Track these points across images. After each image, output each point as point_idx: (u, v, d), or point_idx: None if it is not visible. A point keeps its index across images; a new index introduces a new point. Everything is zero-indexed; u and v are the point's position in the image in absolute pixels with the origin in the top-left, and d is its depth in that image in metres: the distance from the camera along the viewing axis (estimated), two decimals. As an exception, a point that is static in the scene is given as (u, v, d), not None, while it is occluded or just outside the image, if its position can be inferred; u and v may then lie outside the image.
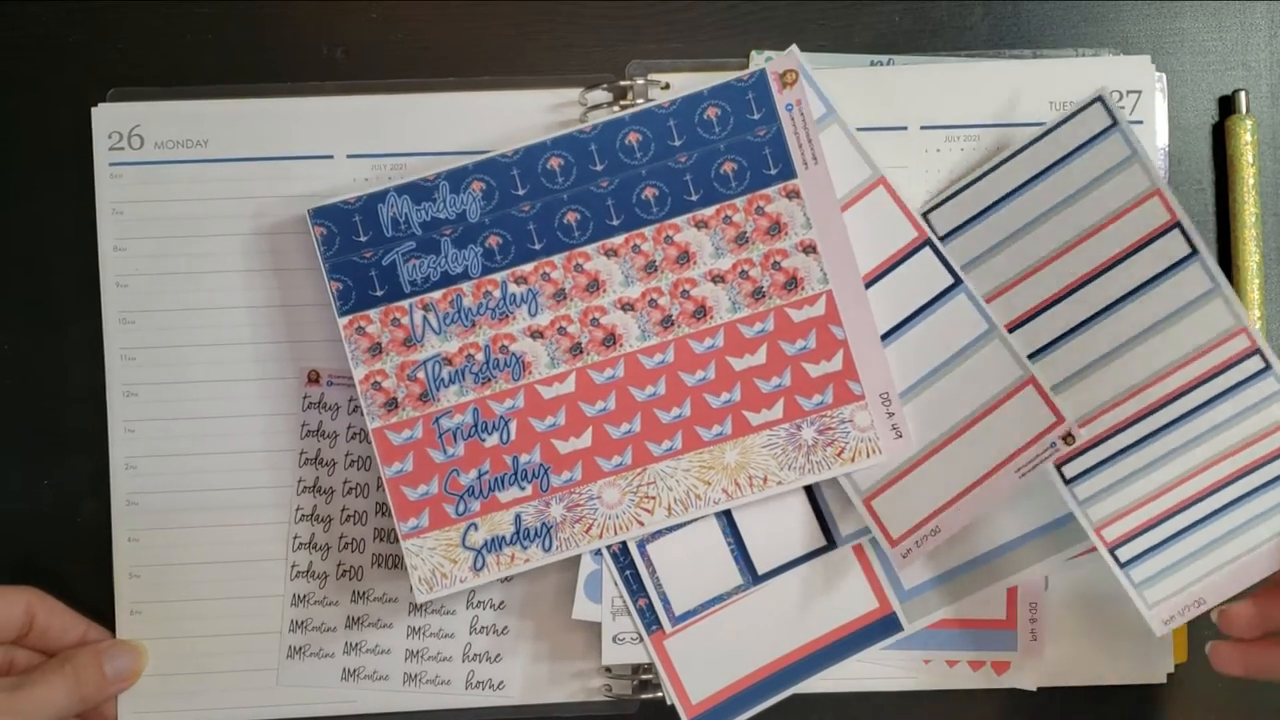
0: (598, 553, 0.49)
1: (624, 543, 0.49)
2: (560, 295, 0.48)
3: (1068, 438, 0.48)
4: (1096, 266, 0.49)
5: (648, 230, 0.48)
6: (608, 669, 0.51)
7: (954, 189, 0.50)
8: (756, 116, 0.48)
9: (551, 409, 0.48)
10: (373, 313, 0.48)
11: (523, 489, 0.48)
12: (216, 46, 0.52)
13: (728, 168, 0.48)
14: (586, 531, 0.48)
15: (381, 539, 0.51)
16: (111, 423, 0.51)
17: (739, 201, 0.48)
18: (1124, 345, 0.48)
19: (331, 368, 0.51)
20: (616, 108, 0.50)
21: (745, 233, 0.48)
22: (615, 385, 0.48)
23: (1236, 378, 0.48)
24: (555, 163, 0.48)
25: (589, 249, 0.48)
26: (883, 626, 0.50)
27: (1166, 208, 0.48)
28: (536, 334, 0.48)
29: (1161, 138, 0.52)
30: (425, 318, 0.48)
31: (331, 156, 0.51)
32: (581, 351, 0.48)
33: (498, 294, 0.48)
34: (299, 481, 0.51)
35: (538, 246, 0.48)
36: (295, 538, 0.51)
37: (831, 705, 0.51)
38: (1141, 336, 0.48)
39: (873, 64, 0.52)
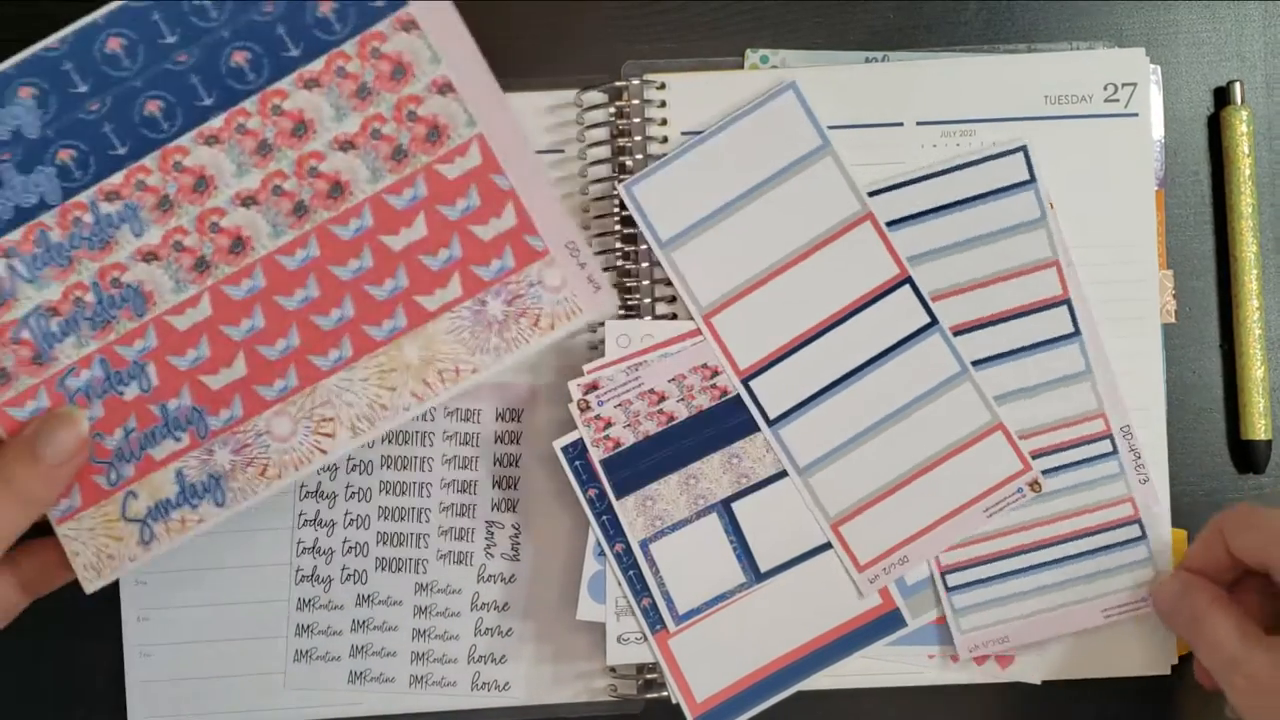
0: (600, 553, 0.49)
1: (626, 543, 0.49)
2: (165, 204, 0.41)
3: (1034, 485, 0.50)
4: (983, 317, 0.50)
5: (249, 103, 0.41)
6: (612, 669, 0.51)
7: (887, 184, 0.51)
8: None
9: (191, 340, 0.42)
10: None
11: (178, 440, 0.42)
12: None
13: (325, 8, 0.41)
14: (261, 474, 0.42)
15: (385, 542, 0.51)
16: (114, 431, 0.51)
17: (349, 47, 0.41)
18: (996, 398, 0.50)
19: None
20: (612, 109, 0.50)
21: (366, 83, 0.41)
22: (259, 298, 0.42)
23: (1088, 453, 0.51)
24: (116, 44, 0.40)
25: (184, 140, 0.41)
26: (886, 622, 0.50)
27: (1061, 281, 0.50)
28: (150, 256, 0.41)
29: (1157, 130, 0.52)
30: (11, 266, 0.41)
31: (328, 161, 0.51)
32: (208, 266, 0.41)
33: (89, 219, 0.41)
34: (300, 486, 0.51)
35: (122, 151, 0.41)
36: (299, 542, 0.51)
37: (836, 702, 0.51)
38: (1012, 395, 0.50)
39: (867, 60, 0.52)
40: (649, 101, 0.51)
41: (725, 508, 0.50)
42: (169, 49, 0.40)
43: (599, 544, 0.50)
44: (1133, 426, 0.51)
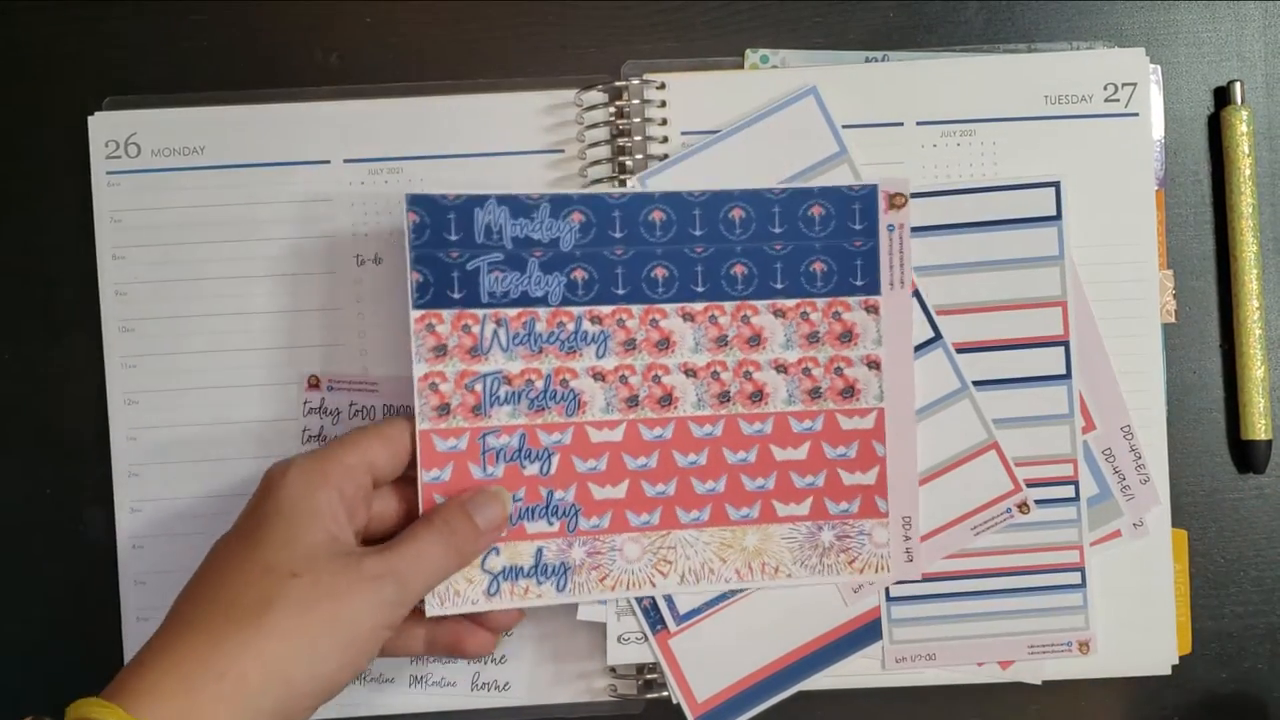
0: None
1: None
2: (630, 344, 0.48)
3: (1023, 506, 0.50)
4: (980, 341, 0.50)
5: (728, 305, 0.49)
6: (613, 669, 0.51)
7: (915, 190, 0.50)
8: (858, 227, 0.49)
9: (595, 452, 0.48)
10: (445, 313, 0.47)
11: (550, 524, 0.48)
12: (211, 53, 0.52)
13: (817, 267, 0.49)
14: (601, 581, 0.48)
15: (385, 543, 0.51)
16: (114, 430, 0.51)
17: (820, 301, 0.49)
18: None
19: (331, 372, 0.51)
20: (612, 109, 0.50)
21: (818, 332, 0.49)
22: (660, 445, 0.49)
23: (1052, 494, 0.51)
24: (658, 216, 0.48)
25: (668, 307, 0.48)
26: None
27: (1064, 323, 0.50)
28: (599, 376, 0.48)
29: (1158, 130, 0.52)
30: (496, 332, 0.47)
31: (328, 161, 0.51)
32: (637, 404, 0.48)
33: (571, 327, 0.48)
34: (301, 487, 0.51)
35: (621, 291, 0.48)
36: (299, 543, 0.51)
37: (836, 702, 0.51)
38: (994, 423, 0.50)
39: (867, 60, 0.52)
40: (649, 101, 0.51)
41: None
42: (692, 239, 0.48)
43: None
44: (1133, 426, 0.51)
